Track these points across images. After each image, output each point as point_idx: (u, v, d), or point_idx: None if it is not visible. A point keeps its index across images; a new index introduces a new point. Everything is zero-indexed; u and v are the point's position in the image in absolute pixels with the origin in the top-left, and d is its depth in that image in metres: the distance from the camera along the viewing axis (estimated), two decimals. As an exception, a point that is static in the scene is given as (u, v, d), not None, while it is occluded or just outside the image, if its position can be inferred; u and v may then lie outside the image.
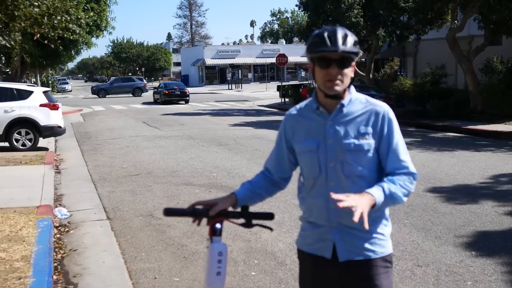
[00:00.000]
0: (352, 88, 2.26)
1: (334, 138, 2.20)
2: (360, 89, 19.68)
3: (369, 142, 2.19)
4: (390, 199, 2.14)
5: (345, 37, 2.12)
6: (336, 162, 2.20)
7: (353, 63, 2.19)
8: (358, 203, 1.97)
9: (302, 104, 2.36)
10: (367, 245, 2.20)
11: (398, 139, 2.23)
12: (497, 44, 20.94)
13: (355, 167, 2.19)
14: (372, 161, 2.21)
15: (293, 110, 2.37)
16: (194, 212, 2.19)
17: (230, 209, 2.27)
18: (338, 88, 2.16)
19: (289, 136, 2.34)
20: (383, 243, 2.24)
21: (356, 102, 2.24)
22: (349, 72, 2.18)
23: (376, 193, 2.09)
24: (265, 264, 5.04)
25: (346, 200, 1.96)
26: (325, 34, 2.13)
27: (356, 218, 1.93)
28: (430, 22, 20.46)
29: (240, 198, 2.33)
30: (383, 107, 2.24)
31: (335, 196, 1.98)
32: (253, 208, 2.30)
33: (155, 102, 36.32)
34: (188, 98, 35.12)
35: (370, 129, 2.20)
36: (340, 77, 2.14)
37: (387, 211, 2.30)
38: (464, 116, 17.98)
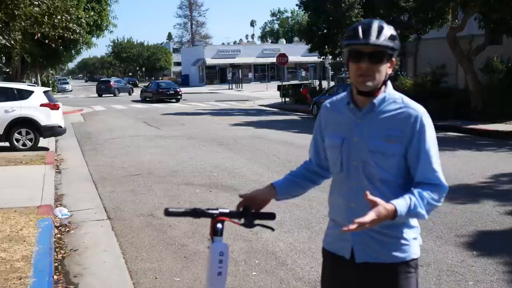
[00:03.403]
0: (389, 86, 2.16)
1: (359, 137, 2.11)
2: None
3: (396, 146, 2.06)
4: (413, 215, 2.03)
5: (380, 30, 2.03)
6: (358, 162, 2.11)
7: (392, 59, 2.09)
8: (373, 219, 1.89)
9: (338, 96, 2.28)
10: (386, 249, 2.11)
11: (430, 147, 2.06)
12: (497, 43, 20.89)
13: (377, 170, 2.08)
14: (398, 166, 2.09)
15: (327, 102, 2.30)
16: (195, 212, 2.17)
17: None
18: (369, 83, 2.06)
19: (323, 127, 2.29)
20: (405, 248, 2.13)
21: (390, 101, 2.12)
22: (384, 68, 2.07)
23: (401, 208, 1.96)
24: (266, 264, 5.03)
25: (369, 215, 1.89)
26: (359, 27, 2.05)
27: (351, 226, 1.88)
28: (430, 22, 20.40)
29: (279, 188, 2.31)
30: (418, 110, 2.08)
31: (370, 197, 1.91)
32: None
33: (143, 100, 37.80)
34: (179, 97, 36.64)
35: (399, 133, 2.06)
36: (371, 72, 2.04)
37: None
38: (465, 116, 17.96)
